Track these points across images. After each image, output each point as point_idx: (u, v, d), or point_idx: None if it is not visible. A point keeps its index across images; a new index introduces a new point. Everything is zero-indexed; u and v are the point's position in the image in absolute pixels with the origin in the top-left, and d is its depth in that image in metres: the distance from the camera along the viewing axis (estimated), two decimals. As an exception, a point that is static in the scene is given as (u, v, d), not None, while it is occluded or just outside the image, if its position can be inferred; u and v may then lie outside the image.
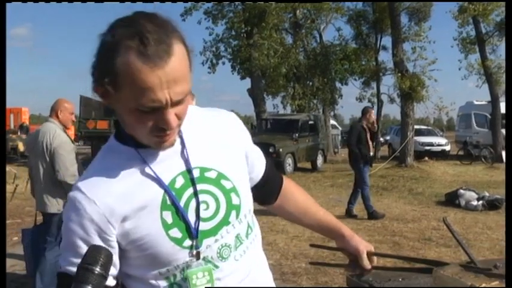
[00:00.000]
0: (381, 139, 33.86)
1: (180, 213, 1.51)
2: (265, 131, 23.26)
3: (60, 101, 5.96)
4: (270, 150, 19.46)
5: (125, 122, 1.46)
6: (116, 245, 1.50)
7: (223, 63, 30.57)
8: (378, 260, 2.18)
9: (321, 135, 23.91)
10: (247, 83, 29.94)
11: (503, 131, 27.40)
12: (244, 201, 1.65)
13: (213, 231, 1.56)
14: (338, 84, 31.05)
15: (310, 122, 23.60)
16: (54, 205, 5.72)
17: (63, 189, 5.59)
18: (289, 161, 20.70)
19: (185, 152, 1.57)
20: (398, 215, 11.58)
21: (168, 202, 1.51)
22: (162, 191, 1.51)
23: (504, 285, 1.72)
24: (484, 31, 27.92)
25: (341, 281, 6.15)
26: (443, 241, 8.97)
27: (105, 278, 1.27)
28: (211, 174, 1.59)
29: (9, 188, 12.18)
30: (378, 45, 29.89)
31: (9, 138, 24.47)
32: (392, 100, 26.38)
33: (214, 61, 30.21)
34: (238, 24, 28.79)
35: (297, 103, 28.66)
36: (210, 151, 1.62)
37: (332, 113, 33.59)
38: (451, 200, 13.18)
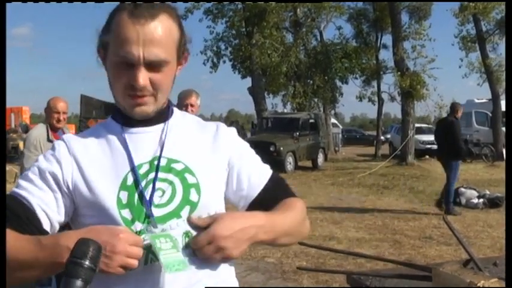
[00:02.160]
0: (382, 137, 33.87)
1: (135, 196, 1.52)
2: (265, 130, 23.26)
3: (50, 100, 5.89)
4: (271, 149, 19.46)
5: (110, 83, 1.57)
6: (65, 191, 1.55)
7: (224, 62, 30.55)
8: (378, 263, 2.19)
9: (321, 133, 23.89)
10: (248, 81, 29.95)
11: (504, 129, 27.43)
12: (206, 201, 1.57)
13: (161, 219, 1.51)
14: (338, 83, 31.03)
15: (311, 121, 23.59)
16: None
17: None
18: (289, 159, 20.70)
19: (162, 141, 1.61)
20: (398, 213, 11.57)
21: (128, 183, 1.54)
22: (127, 170, 1.56)
23: (503, 283, 1.73)
24: (484, 29, 27.92)
25: (342, 279, 6.16)
26: (444, 239, 8.97)
27: (94, 270, 1.26)
28: (178, 166, 1.59)
29: (9, 187, 12.17)
30: (379, 44, 29.95)
31: (10, 137, 24.44)
32: (393, 98, 26.44)
33: (215, 60, 30.20)
34: (239, 23, 28.77)
35: (298, 102, 28.62)
36: (186, 146, 1.63)
37: (333, 112, 33.55)
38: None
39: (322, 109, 30.74)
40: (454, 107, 11.70)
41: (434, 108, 24.23)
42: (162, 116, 1.63)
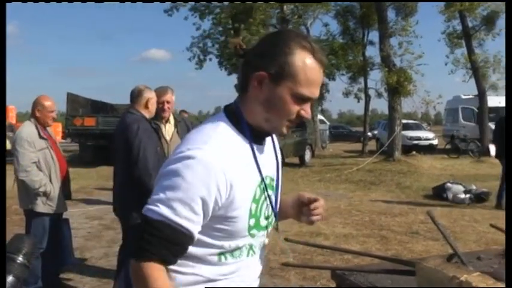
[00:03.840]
0: (369, 134, 33.94)
1: (259, 208, 1.83)
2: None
3: (42, 99, 5.86)
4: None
5: (272, 105, 1.76)
6: (214, 209, 1.71)
7: (210, 59, 30.47)
8: (364, 258, 2.21)
9: (308, 130, 23.84)
10: (235, 78, 29.91)
11: (490, 124, 27.56)
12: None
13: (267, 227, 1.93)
14: (325, 79, 31.05)
15: (298, 117, 23.54)
16: (26, 202, 5.66)
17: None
18: (276, 156, 20.66)
19: (276, 156, 2.02)
20: (385, 209, 11.60)
21: (258, 194, 1.81)
22: (257, 184, 1.81)
23: (485, 277, 1.73)
24: (470, 25, 28.02)
25: (329, 275, 6.15)
26: (431, 234, 9.00)
27: (28, 267, 1.28)
28: (273, 187, 1.96)
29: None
30: (365, 40, 29.99)
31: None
32: (379, 95, 26.50)
33: (201, 57, 30.11)
34: (225, 20, 28.70)
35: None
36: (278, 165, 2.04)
37: (320, 108, 33.57)
38: (439, 193, 13.23)
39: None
40: None
41: (421, 104, 24.28)
42: None
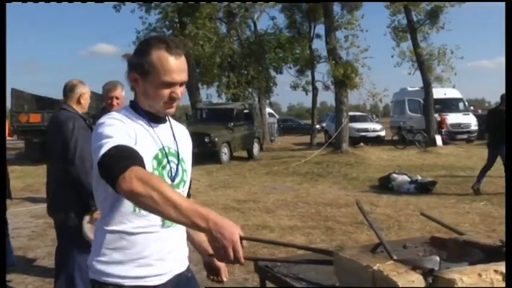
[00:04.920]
0: (318, 126, 34.16)
1: (161, 167, 2.30)
2: (200, 121, 23.05)
3: None
4: (206, 140, 19.28)
5: (149, 95, 2.27)
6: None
7: (157, 53, 30.03)
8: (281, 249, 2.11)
9: (256, 123, 23.82)
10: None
11: (436, 115, 28.04)
12: (188, 183, 2.49)
13: (176, 185, 2.36)
14: (273, 73, 31.12)
15: (245, 111, 23.47)
16: None
17: None
18: (225, 150, 20.52)
19: (172, 132, 2.43)
20: (332, 200, 11.61)
21: (159, 156, 2.30)
22: (159, 147, 2.31)
23: (398, 265, 1.67)
24: (415, 19, 28.39)
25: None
26: (375, 224, 9.00)
27: None
28: (180, 154, 2.42)
29: None
30: (312, 34, 30.09)
31: None
32: (327, 87, 26.62)
33: (147, 51, 29.64)
34: (172, 14, 28.34)
35: (232, 92, 28.50)
36: (180, 142, 2.46)
37: (268, 101, 33.60)
38: (385, 184, 13.33)
39: (257, 99, 30.73)
40: (503, 97, 12.18)
41: (367, 96, 24.50)
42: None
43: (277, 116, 46.16)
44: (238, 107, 23.44)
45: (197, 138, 16.41)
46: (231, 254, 1.84)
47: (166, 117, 2.43)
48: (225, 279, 2.60)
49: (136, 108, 2.34)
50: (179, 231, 2.35)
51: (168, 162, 2.32)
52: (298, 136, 41.27)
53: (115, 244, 2.22)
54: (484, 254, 1.95)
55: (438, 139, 26.45)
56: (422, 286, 1.58)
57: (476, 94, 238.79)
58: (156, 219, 2.19)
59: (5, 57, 5.09)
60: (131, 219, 2.20)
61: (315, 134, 30.82)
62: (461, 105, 31.58)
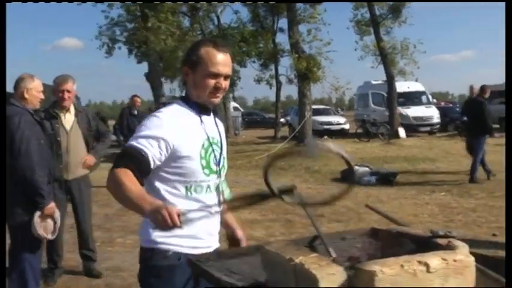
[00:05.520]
0: (282, 120, 34.24)
1: (208, 155, 2.70)
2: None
3: None
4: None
5: (198, 85, 2.65)
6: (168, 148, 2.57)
7: (120, 47, 29.78)
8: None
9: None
10: (145, 67, 29.39)
11: (400, 108, 28.31)
12: (227, 167, 2.90)
13: (219, 170, 2.79)
14: (237, 67, 31.02)
15: (209, 105, 23.39)
16: None
17: None
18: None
19: (216, 123, 2.85)
20: (293, 193, 11.62)
21: (205, 145, 2.69)
22: (205, 137, 2.70)
23: (321, 258, 1.66)
24: (378, 13, 28.58)
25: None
26: (335, 216, 9.09)
27: None
28: (220, 146, 2.83)
29: None
30: (275, 28, 30.08)
31: None
32: (290, 81, 26.66)
33: (110, 45, 29.36)
34: (134, 7, 28.04)
35: (196, 86, 28.28)
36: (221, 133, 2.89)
37: (231, 95, 33.54)
38: (346, 176, 13.37)
39: (221, 92, 30.59)
40: (482, 88, 13.07)
41: (330, 90, 24.63)
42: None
43: (242, 110, 46.15)
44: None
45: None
46: (168, 219, 2.16)
47: (211, 110, 2.81)
48: None
49: (187, 101, 2.72)
50: (219, 214, 2.84)
51: (213, 150, 2.72)
52: (262, 130, 41.24)
53: None
54: (415, 245, 1.95)
55: (401, 132, 26.72)
56: (343, 278, 1.57)
57: (440, 87, 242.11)
58: (205, 203, 2.68)
59: (5, 57, 5.05)
60: (184, 202, 2.60)
61: (279, 128, 30.89)
62: (424, 98, 31.97)
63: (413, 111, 29.57)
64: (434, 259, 1.62)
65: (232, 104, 35.29)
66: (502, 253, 7.06)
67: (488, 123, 12.55)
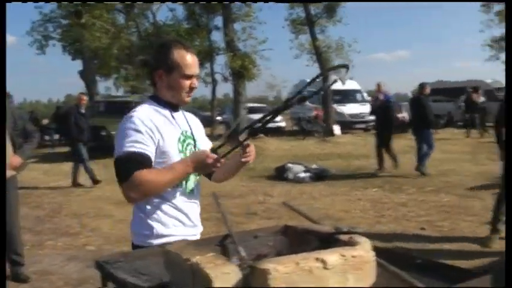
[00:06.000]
0: (219, 118, 34.19)
1: (184, 148, 2.84)
2: (97, 114, 22.51)
3: None
4: (102, 133, 18.84)
5: (173, 87, 2.79)
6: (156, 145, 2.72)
7: (54, 44, 29.15)
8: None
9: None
10: (80, 64, 28.88)
11: (335, 106, 28.67)
12: None
13: None
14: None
15: (143, 104, 23.13)
16: None
17: None
18: (123, 143, 20.07)
19: (186, 119, 2.96)
20: (227, 191, 11.60)
21: (181, 139, 2.84)
22: (179, 131, 2.85)
23: (218, 258, 1.68)
24: (313, 13, 28.84)
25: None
26: (267, 214, 9.15)
27: None
28: (192, 138, 2.95)
29: None
30: (210, 26, 29.99)
31: None
32: (225, 79, 26.62)
33: (43, 42, 28.70)
34: (68, 4, 27.48)
35: (131, 85, 28.00)
36: (193, 127, 3.01)
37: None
38: (280, 173, 13.50)
39: (157, 92, 30.30)
40: (422, 86, 13.82)
41: (266, 88, 24.77)
42: None
43: (179, 109, 45.89)
44: (136, 100, 23.07)
45: (94, 132, 16.05)
46: (212, 162, 2.64)
47: (180, 107, 2.93)
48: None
49: (159, 101, 2.85)
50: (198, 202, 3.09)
51: (189, 143, 2.87)
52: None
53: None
54: (319, 242, 1.98)
55: (336, 129, 27.05)
56: (238, 277, 1.58)
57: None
58: (188, 193, 2.91)
59: (5, 57, 4.90)
60: (171, 194, 2.83)
61: (215, 126, 30.85)
62: (359, 96, 32.49)
63: (349, 109, 30.00)
64: (332, 255, 1.64)
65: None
66: (430, 246, 7.23)
67: (431, 117, 13.20)
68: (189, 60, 2.78)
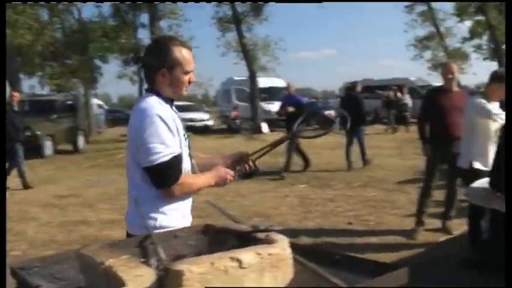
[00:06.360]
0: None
1: (187, 141, 3.01)
2: (22, 114, 21.84)
3: None
4: (27, 133, 18.29)
5: (175, 83, 2.90)
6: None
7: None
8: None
9: (81, 115, 23.03)
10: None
11: (262, 104, 28.86)
12: None
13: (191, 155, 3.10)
14: (99, 63, 30.23)
15: (69, 102, 22.59)
16: None
17: None
18: (48, 143, 19.52)
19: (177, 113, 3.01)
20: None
21: (184, 133, 2.97)
22: (181, 126, 2.95)
23: (132, 260, 1.65)
24: (240, 11, 28.95)
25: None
26: (196, 213, 8.77)
27: None
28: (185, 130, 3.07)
29: None
30: (137, 23, 29.64)
31: None
32: (153, 77, 26.39)
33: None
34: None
35: (56, 83, 27.30)
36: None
37: (93, 92, 32.64)
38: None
39: (83, 90, 29.73)
40: (353, 84, 14.83)
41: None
42: None
43: (107, 107, 45.11)
44: (61, 98, 22.58)
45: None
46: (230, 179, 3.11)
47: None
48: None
49: (160, 96, 2.90)
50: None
51: (187, 136, 3.04)
52: (127, 127, 40.39)
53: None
54: (238, 241, 1.98)
55: (264, 126, 27.22)
56: (152, 279, 1.56)
57: (304, 83, 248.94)
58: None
59: (5, 57, 4.59)
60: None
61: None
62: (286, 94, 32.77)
63: (276, 107, 30.20)
64: (247, 254, 1.65)
65: (96, 101, 34.38)
66: (357, 240, 7.38)
67: (364, 114, 13.98)
68: (188, 56, 2.92)
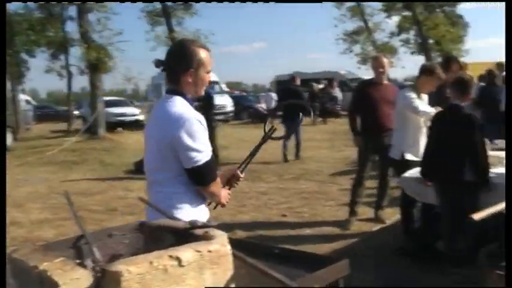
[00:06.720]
0: (76, 112, 33.18)
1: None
2: None
3: None
4: None
5: (199, 83, 3.12)
6: None
7: None
8: None
9: (8, 111, 22.33)
10: None
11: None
12: None
13: None
14: (25, 57, 29.32)
15: (-5, 98, 21.88)
16: None
17: None
18: (-29, 142, 18.84)
19: None
20: (86, 189, 11.29)
21: None
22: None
23: (67, 263, 1.60)
24: (170, 4, 28.71)
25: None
26: (129, 209, 8.99)
27: None
28: None
29: None
30: (64, 16, 28.88)
31: None
32: (82, 72, 25.78)
33: None
34: None
35: (-21, 80, 26.31)
36: None
37: (21, 87, 31.66)
38: (139, 168, 13.26)
39: (9, 85, 28.76)
40: (293, 77, 15.53)
41: (122, 80, 24.38)
42: None
43: (35, 103, 43.92)
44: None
45: None
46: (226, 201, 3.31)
47: None
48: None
49: (183, 96, 3.09)
50: None
51: None
52: (56, 123, 39.46)
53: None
54: (175, 238, 1.95)
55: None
56: (89, 281, 1.52)
57: (236, 77, 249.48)
58: None
59: (5, 57, 4.27)
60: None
61: (73, 121, 29.89)
62: (217, 87, 32.69)
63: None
64: (186, 252, 1.62)
65: (24, 97, 33.37)
66: (292, 232, 7.45)
67: (307, 107, 15.01)
68: (209, 57, 3.15)
